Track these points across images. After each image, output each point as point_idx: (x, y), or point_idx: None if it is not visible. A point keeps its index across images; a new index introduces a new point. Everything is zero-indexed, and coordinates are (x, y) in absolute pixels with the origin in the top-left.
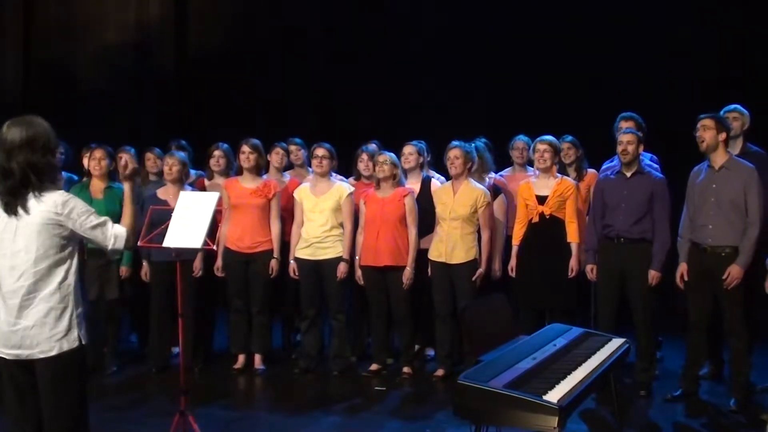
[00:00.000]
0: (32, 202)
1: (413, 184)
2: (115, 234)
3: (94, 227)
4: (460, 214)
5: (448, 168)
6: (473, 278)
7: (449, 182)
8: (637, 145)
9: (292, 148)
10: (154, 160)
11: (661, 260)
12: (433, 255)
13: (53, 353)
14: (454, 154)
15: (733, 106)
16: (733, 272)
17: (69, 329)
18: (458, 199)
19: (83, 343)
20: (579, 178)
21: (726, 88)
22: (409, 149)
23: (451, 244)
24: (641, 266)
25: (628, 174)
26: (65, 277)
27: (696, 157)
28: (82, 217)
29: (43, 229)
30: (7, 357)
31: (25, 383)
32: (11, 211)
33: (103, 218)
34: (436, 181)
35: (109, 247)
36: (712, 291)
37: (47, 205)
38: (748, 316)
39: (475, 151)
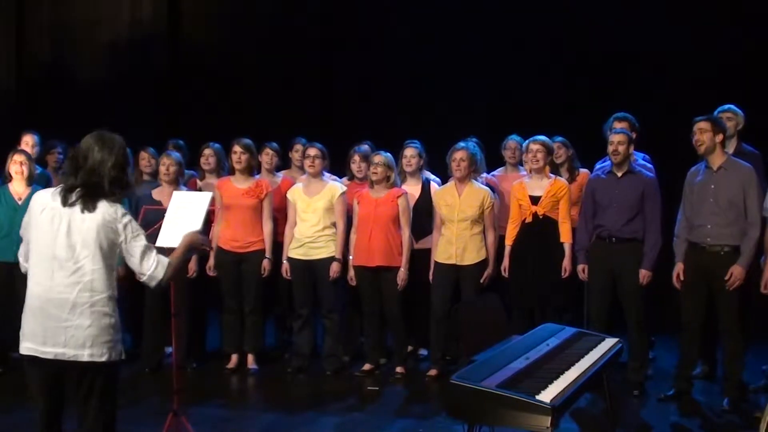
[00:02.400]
0: (99, 204)
1: (413, 187)
2: (158, 260)
3: (141, 247)
4: (469, 216)
5: (453, 169)
6: (482, 279)
7: (451, 184)
8: (628, 145)
9: (297, 147)
10: (149, 160)
11: (653, 259)
12: (441, 257)
13: (103, 359)
14: (461, 156)
15: (727, 106)
16: (736, 273)
17: (117, 341)
18: (465, 200)
19: (122, 357)
20: (571, 178)
21: (719, 87)
22: (411, 152)
23: (462, 246)
24: (633, 266)
25: (619, 174)
26: (113, 286)
27: (690, 156)
28: (135, 231)
29: (102, 230)
30: (41, 356)
31: (53, 385)
32: (78, 204)
33: (151, 245)
34: (435, 183)
35: (149, 271)
36: (708, 290)
37: (109, 208)
38: (744, 316)
39: (479, 153)
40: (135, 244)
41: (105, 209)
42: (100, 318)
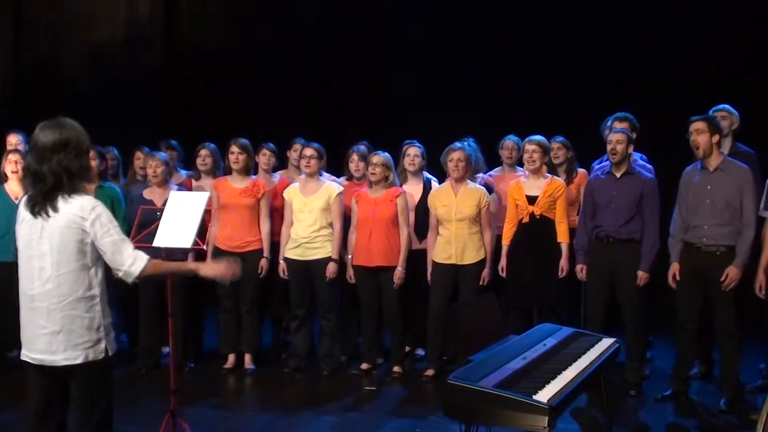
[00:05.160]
0: (61, 203)
1: (415, 187)
2: (135, 256)
3: (112, 242)
4: (467, 215)
5: (450, 170)
6: (481, 280)
7: (446, 184)
8: (627, 145)
9: (296, 147)
10: (143, 160)
11: (650, 260)
12: (441, 257)
13: (78, 361)
14: (458, 156)
15: (721, 105)
16: (731, 274)
17: (97, 340)
18: (461, 200)
19: (110, 354)
20: (569, 180)
21: (714, 87)
22: (414, 151)
23: (461, 245)
24: (630, 266)
25: (618, 174)
26: (90, 286)
27: (686, 156)
28: (105, 227)
29: (67, 232)
30: (31, 362)
31: (51, 391)
32: (40, 213)
33: (126, 237)
34: (436, 184)
35: (125, 267)
36: (704, 291)
37: (74, 208)
38: (740, 316)
39: (475, 153)
40: (105, 241)
41: (69, 209)
42: (71, 321)
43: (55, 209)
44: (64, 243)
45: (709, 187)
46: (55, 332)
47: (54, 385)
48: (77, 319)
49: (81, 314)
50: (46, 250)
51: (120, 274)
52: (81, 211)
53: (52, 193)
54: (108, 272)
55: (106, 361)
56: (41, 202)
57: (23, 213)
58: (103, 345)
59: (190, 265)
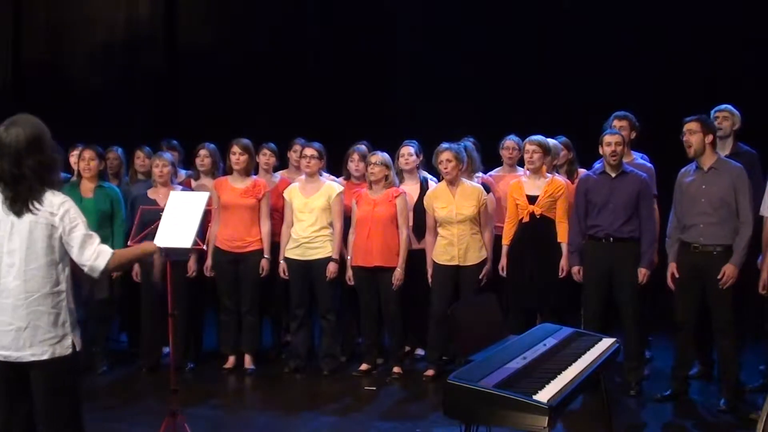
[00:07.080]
0: (36, 202)
1: (412, 186)
2: (99, 251)
3: (79, 237)
4: (467, 216)
5: (442, 171)
6: (480, 276)
7: (442, 185)
8: (624, 146)
9: (296, 147)
10: (143, 159)
11: (650, 258)
12: (443, 259)
13: (45, 357)
14: (446, 157)
15: (723, 105)
16: (728, 271)
17: (63, 335)
18: (460, 201)
19: (77, 349)
20: (570, 180)
21: (716, 87)
22: (408, 150)
23: (464, 246)
24: (629, 266)
25: (613, 174)
26: (58, 281)
27: (687, 156)
28: (73, 221)
29: (36, 228)
30: None
31: (15, 385)
32: (20, 212)
33: (92, 233)
34: (433, 183)
35: (89, 262)
36: (702, 290)
37: (44, 205)
38: (738, 316)
39: (464, 151)
40: (73, 236)
41: (41, 206)
42: (38, 318)
43: (27, 208)
44: (34, 239)
45: (703, 186)
46: (21, 328)
47: (19, 384)
48: (44, 315)
49: (47, 310)
50: (15, 246)
51: (85, 269)
52: (50, 206)
53: (34, 193)
54: (75, 269)
55: (73, 357)
56: (22, 203)
57: None
58: (69, 341)
59: (141, 246)
